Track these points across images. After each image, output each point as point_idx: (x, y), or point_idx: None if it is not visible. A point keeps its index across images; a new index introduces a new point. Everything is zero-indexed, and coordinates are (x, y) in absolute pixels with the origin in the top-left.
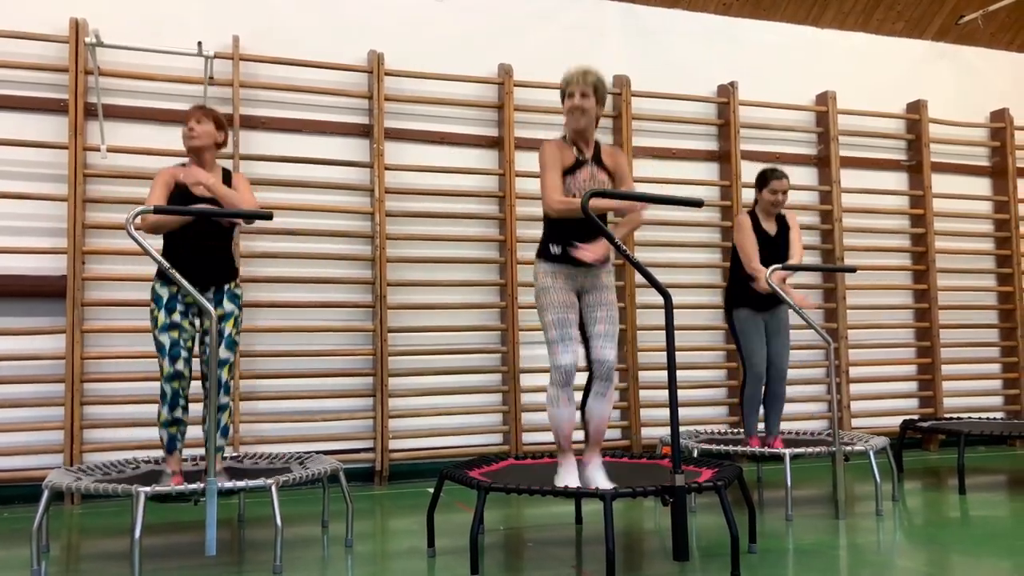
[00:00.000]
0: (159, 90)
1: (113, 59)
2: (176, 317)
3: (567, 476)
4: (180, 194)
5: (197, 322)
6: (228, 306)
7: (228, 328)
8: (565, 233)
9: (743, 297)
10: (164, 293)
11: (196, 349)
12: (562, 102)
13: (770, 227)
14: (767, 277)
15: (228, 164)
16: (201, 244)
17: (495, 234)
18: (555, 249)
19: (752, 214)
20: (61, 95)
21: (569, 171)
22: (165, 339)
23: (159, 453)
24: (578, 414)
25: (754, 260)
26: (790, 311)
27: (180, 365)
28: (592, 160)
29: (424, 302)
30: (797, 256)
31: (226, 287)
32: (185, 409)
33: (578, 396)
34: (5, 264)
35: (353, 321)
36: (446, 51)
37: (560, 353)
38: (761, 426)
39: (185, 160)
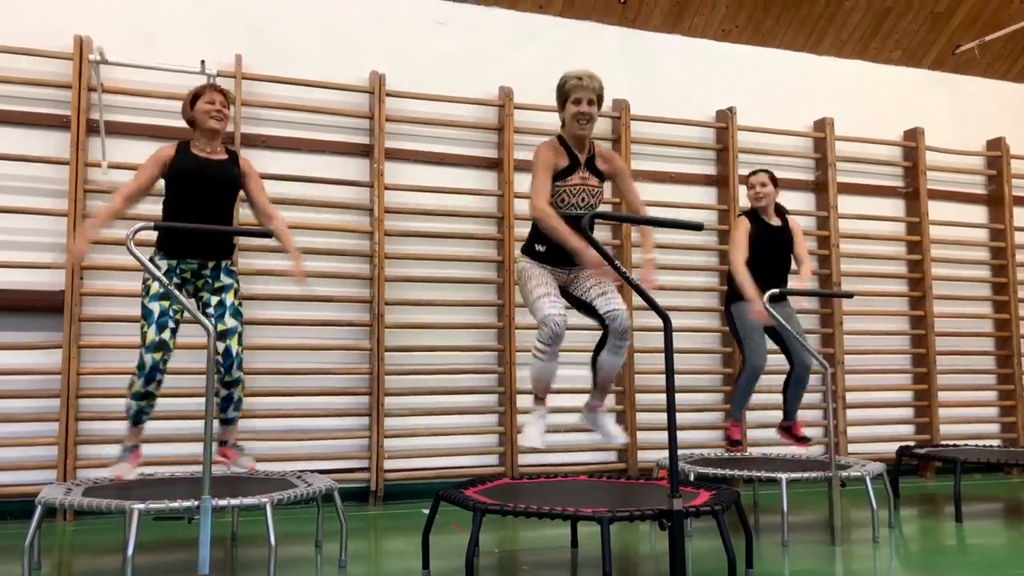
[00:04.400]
0: (161, 107)
1: (116, 76)
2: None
3: (533, 431)
4: (182, 172)
5: (192, 301)
6: (226, 279)
7: (230, 298)
8: (551, 237)
9: (741, 292)
10: (163, 265)
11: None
12: (559, 104)
13: (772, 221)
14: (764, 302)
15: None
16: (205, 219)
17: (493, 255)
18: (540, 247)
19: (751, 213)
20: (64, 111)
21: (560, 175)
22: (155, 306)
23: (155, 469)
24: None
25: (739, 264)
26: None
27: (166, 335)
28: (585, 164)
29: (422, 321)
30: (807, 266)
31: (224, 263)
32: (160, 384)
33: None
34: (3, 278)
35: (350, 340)
36: (447, 73)
37: (547, 307)
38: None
39: (187, 139)
